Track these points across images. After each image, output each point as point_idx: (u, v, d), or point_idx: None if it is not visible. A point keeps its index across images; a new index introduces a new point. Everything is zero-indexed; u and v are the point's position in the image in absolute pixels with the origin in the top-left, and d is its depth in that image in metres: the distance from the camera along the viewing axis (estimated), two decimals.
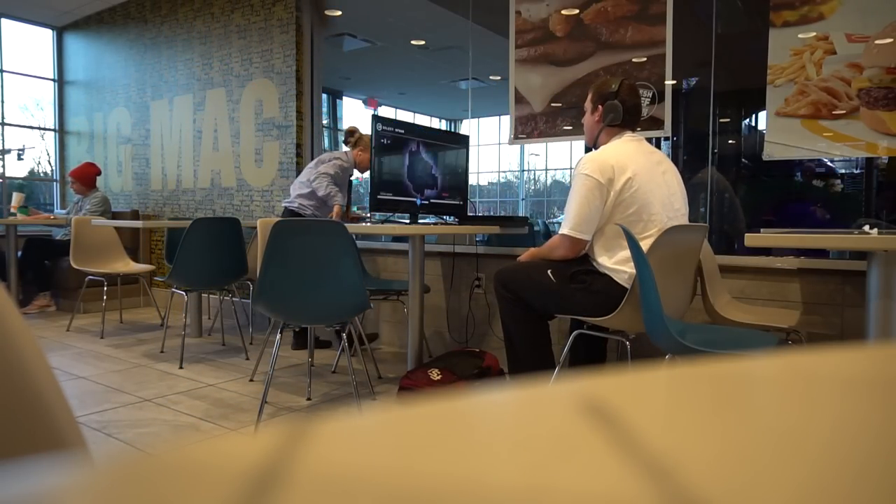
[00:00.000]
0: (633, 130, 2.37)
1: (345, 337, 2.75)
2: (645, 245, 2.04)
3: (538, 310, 2.37)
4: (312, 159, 4.41)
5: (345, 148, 3.75)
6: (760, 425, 0.21)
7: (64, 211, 5.43)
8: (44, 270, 4.92)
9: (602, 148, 2.31)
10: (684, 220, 2.33)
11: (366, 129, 3.64)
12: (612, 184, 2.18)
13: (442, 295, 3.67)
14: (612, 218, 2.21)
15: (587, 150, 2.48)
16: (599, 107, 2.35)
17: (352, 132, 3.71)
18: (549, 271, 2.31)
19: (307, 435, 0.20)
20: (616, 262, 2.23)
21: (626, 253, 2.15)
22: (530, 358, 2.39)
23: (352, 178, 3.77)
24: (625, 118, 2.31)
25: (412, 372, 2.80)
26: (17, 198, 5.00)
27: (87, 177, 4.95)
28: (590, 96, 2.41)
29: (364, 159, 3.61)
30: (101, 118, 5.89)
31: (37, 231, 5.30)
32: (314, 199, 3.55)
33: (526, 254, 2.49)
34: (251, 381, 3.05)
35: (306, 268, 2.37)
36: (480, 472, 0.17)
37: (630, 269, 2.16)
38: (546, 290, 2.31)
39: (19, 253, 4.89)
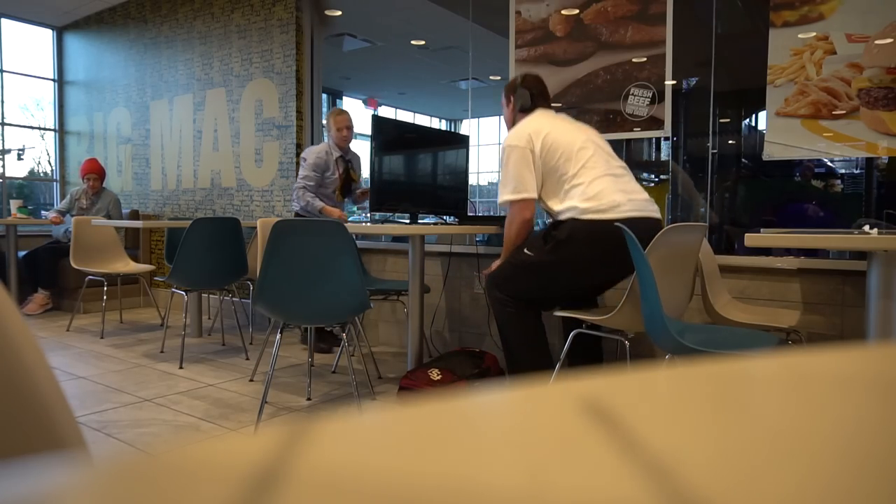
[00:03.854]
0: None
1: (345, 337, 2.75)
2: (590, 175, 2.28)
3: (534, 300, 2.39)
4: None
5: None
6: (760, 425, 0.21)
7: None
8: (41, 270, 4.90)
9: (516, 127, 2.50)
10: (622, 164, 2.44)
11: (365, 128, 3.69)
12: (532, 144, 2.38)
13: (442, 295, 3.67)
14: (546, 170, 2.38)
15: None
16: (511, 97, 2.61)
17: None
18: (524, 250, 2.39)
19: (307, 435, 0.20)
20: (567, 202, 2.33)
21: (576, 191, 2.29)
22: (529, 361, 2.39)
23: (343, 156, 3.71)
24: (534, 101, 2.55)
25: (412, 372, 2.80)
26: (14, 204, 5.01)
27: (104, 174, 5.00)
28: (503, 95, 2.67)
29: (339, 138, 3.67)
30: (101, 118, 5.89)
31: (40, 231, 5.30)
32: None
33: (494, 265, 2.55)
34: (251, 381, 3.05)
35: (306, 268, 2.37)
36: (480, 471, 0.17)
37: (581, 202, 2.28)
38: (531, 269, 2.36)
39: (23, 253, 4.91)
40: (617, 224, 2.09)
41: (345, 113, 3.73)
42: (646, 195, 2.35)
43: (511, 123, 2.61)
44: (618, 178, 2.31)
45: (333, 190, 3.67)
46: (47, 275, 4.80)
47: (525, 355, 2.40)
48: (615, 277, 2.41)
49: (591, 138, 2.42)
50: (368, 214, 4.41)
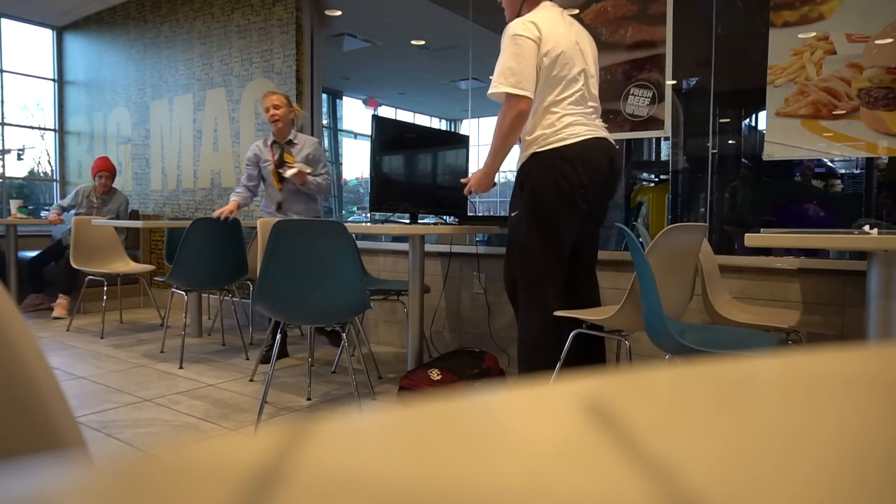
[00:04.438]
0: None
1: (345, 337, 2.75)
2: (566, 109, 2.30)
3: (552, 273, 2.37)
4: None
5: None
6: (760, 425, 0.21)
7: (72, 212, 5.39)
8: (60, 273, 4.87)
9: (526, 16, 2.36)
10: (597, 101, 2.47)
11: (364, 128, 3.65)
12: (541, 42, 2.27)
13: (442, 295, 3.67)
14: (540, 78, 2.32)
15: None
16: None
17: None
18: (512, 215, 2.41)
19: (307, 435, 0.20)
20: (535, 130, 2.34)
21: (547, 119, 2.31)
22: (543, 365, 2.40)
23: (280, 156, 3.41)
24: None
25: (412, 372, 2.81)
26: (14, 204, 5.01)
27: (115, 172, 5.00)
28: None
29: (267, 120, 3.41)
30: (101, 118, 5.89)
31: (40, 231, 5.30)
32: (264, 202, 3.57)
33: (473, 179, 2.54)
34: (251, 381, 3.05)
35: (306, 268, 2.37)
36: (480, 472, 0.17)
37: (548, 131, 2.30)
38: (528, 225, 2.35)
39: (31, 254, 4.90)
40: (618, 226, 2.12)
41: (269, 94, 3.42)
42: (604, 128, 2.46)
43: (515, 12, 2.45)
44: (587, 116, 2.39)
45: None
46: (66, 278, 4.76)
47: (542, 358, 2.40)
48: (594, 208, 2.44)
49: (587, 68, 2.41)
50: (368, 214, 4.40)
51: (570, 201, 2.33)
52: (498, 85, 2.27)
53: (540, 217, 2.34)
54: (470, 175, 2.64)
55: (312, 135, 4.44)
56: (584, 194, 2.34)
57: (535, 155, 2.34)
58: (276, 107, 3.34)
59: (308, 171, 3.29)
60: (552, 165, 2.31)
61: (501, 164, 2.46)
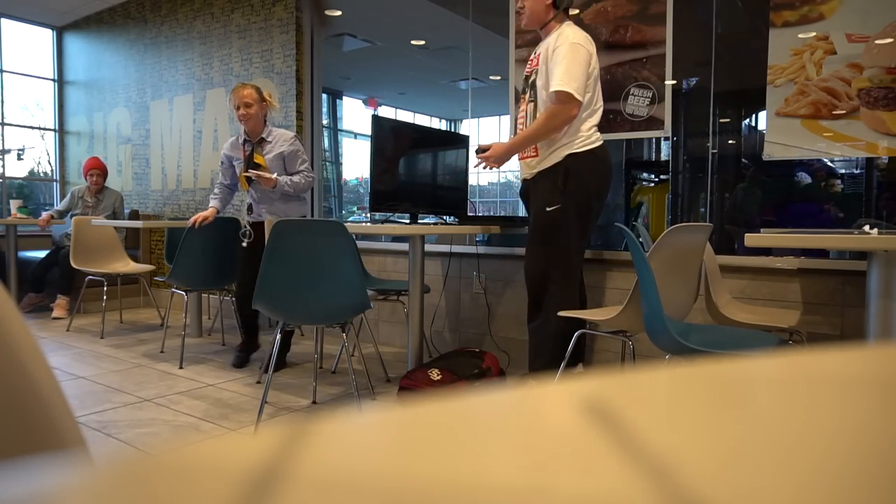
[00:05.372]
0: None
1: (345, 337, 2.74)
2: (592, 122, 2.50)
3: (575, 262, 2.50)
4: (312, 159, 4.42)
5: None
6: (760, 425, 0.21)
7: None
8: (61, 275, 4.84)
9: (571, 28, 2.49)
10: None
11: (364, 128, 3.63)
12: (591, 56, 2.47)
13: (442, 295, 3.67)
14: None
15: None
16: None
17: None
18: (549, 209, 2.49)
19: (307, 435, 0.20)
20: (569, 135, 2.49)
21: (584, 125, 2.49)
22: (553, 362, 2.44)
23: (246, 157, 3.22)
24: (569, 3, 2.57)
25: (412, 372, 2.81)
26: (14, 204, 5.01)
27: (106, 171, 5.00)
28: None
29: (238, 118, 3.17)
30: (101, 118, 5.89)
31: (40, 232, 5.29)
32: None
33: (494, 150, 2.60)
34: (258, 382, 3.05)
35: (306, 268, 2.37)
36: (480, 472, 0.17)
37: (583, 135, 2.48)
38: (566, 218, 2.46)
39: (31, 254, 4.88)
40: (618, 225, 2.17)
41: (239, 88, 3.15)
42: None
43: (540, 22, 2.54)
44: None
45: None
46: (65, 279, 4.74)
47: (558, 357, 2.42)
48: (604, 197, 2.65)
49: (600, 85, 2.60)
50: (368, 214, 4.40)
51: (602, 197, 2.55)
52: (564, 85, 2.38)
53: (582, 212, 2.47)
54: (484, 145, 2.68)
55: (312, 136, 4.44)
56: (605, 192, 2.58)
57: (573, 154, 2.48)
58: (247, 105, 3.11)
59: (270, 176, 3.06)
60: (592, 164, 2.48)
61: (526, 149, 2.59)
